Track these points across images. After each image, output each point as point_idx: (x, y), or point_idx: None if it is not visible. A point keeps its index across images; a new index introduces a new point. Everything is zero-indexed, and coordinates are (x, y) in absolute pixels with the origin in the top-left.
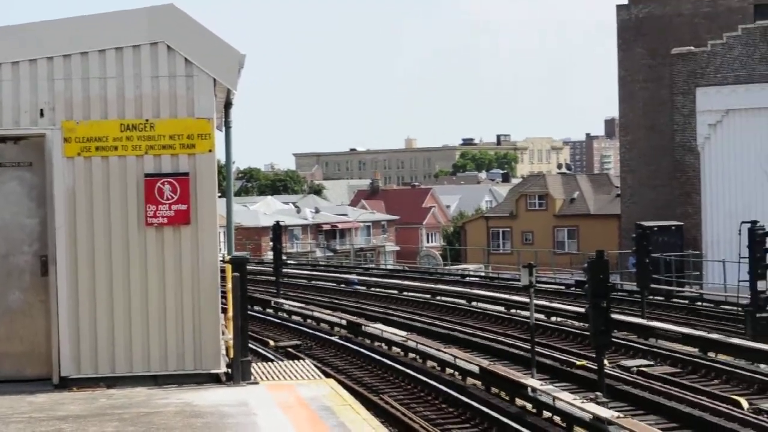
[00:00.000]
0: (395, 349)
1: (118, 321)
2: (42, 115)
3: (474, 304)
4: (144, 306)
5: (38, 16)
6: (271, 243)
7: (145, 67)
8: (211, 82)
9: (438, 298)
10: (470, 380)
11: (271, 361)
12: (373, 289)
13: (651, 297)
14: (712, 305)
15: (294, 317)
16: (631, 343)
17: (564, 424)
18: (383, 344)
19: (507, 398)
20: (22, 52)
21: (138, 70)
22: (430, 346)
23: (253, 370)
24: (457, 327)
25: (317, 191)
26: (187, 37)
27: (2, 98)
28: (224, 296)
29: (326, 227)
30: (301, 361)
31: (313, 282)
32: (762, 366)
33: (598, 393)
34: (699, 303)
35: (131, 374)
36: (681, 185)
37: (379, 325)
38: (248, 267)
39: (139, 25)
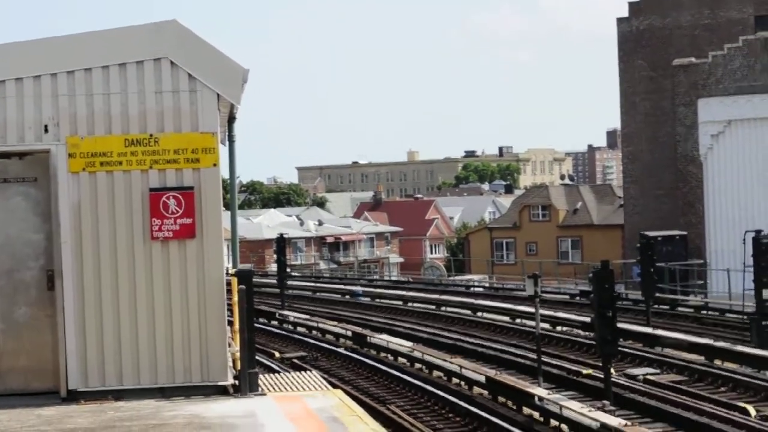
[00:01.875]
0: (401, 360)
1: (124, 334)
2: (46, 130)
3: (479, 314)
4: (150, 319)
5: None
6: (274, 255)
7: (148, 83)
8: (214, 96)
9: (443, 308)
10: (477, 390)
11: (278, 372)
12: (377, 300)
13: (656, 306)
14: (717, 314)
15: (299, 329)
16: (637, 352)
17: None
18: (389, 355)
19: (514, 407)
20: (26, 68)
21: (142, 86)
22: (436, 357)
23: (260, 382)
24: (463, 337)
25: (320, 204)
26: (190, 52)
27: (7, 114)
28: (230, 309)
29: (330, 239)
30: (308, 372)
31: (318, 294)
32: None
33: (605, 401)
34: (704, 311)
35: (139, 387)
36: (684, 195)
37: (385, 336)
38: (253, 280)
39: (142, 41)
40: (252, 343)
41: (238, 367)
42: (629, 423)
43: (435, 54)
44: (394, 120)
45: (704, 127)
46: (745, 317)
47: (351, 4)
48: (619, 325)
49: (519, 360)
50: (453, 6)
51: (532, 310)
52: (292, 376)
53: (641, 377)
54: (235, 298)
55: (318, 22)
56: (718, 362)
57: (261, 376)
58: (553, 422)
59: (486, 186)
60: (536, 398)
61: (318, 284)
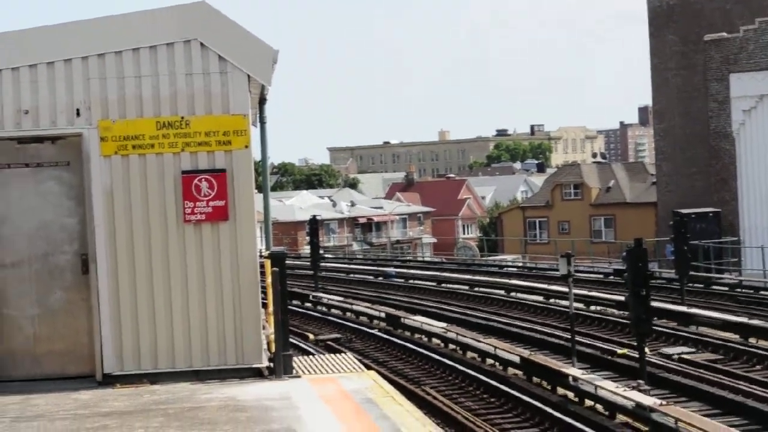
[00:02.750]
0: (435, 341)
1: (159, 317)
2: (78, 114)
3: (512, 294)
4: (185, 302)
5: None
6: (307, 237)
7: (179, 65)
8: (245, 78)
9: (476, 289)
10: (511, 370)
11: (312, 354)
12: (411, 281)
13: (690, 284)
14: (751, 291)
15: (333, 311)
16: (672, 331)
17: (606, 413)
18: (423, 336)
19: (549, 387)
20: (57, 52)
21: (172, 68)
22: (469, 337)
23: (294, 364)
24: (497, 317)
25: (352, 185)
26: (219, 33)
27: (39, 99)
28: (263, 291)
29: (362, 220)
30: (342, 354)
31: (351, 275)
32: None
33: (640, 381)
34: (738, 289)
35: (174, 370)
36: (717, 172)
37: (419, 317)
38: (286, 261)
39: (172, 22)
40: (286, 325)
41: (273, 350)
42: (664, 402)
43: (465, 32)
44: (425, 100)
45: (736, 102)
46: None
47: None
48: (654, 303)
49: (553, 340)
50: None
51: (565, 289)
52: (327, 358)
53: (676, 356)
54: (269, 280)
55: (348, 2)
56: (753, 340)
57: (295, 358)
58: (588, 402)
59: (518, 165)
60: (571, 378)
61: (351, 266)
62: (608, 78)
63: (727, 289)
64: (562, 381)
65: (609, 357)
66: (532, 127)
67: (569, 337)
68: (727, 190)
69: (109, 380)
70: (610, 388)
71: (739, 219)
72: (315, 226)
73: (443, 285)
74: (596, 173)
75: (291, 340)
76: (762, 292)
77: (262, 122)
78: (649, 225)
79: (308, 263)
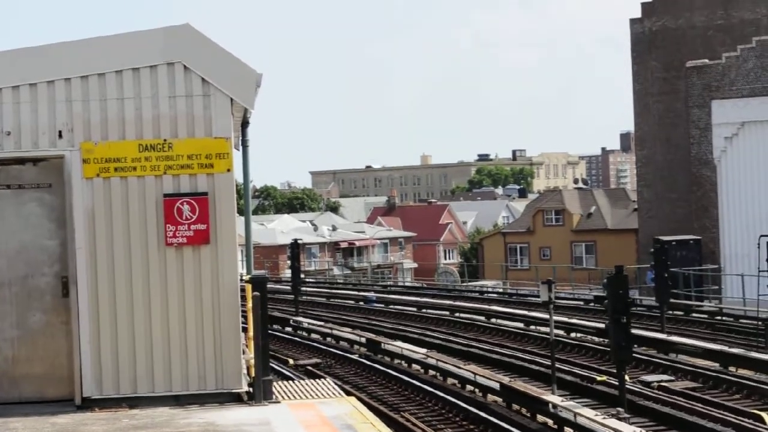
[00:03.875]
0: (415, 367)
1: (139, 341)
2: (60, 136)
3: (493, 320)
4: (165, 326)
5: (54, 38)
6: (288, 261)
7: (162, 88)
8: (228, 101)
9: (457, 314)
10: (491, 397)
11: (292, 379)
12: (391, 306)
13: (670, 312)
14: (731, 319)
15: (313, 335)
16: (652, 358)
17: None
18: (403, 362)
19: (528, 415)
20: (40, 73)
21: (155, 91)
22: (450, 363)
23: (274, 389)
24: (477, 344)
25: (334, 209)
26: (203, 56)
27: (21, 120)
28: (244, 315)
29: (343, 245)
30: (322, 379)
31: (332, 300)
32: None
33: (619, 408)
34: (719, 317)
35: (153, 394)
36: (698, 199)
37: (399, 343)
38: (267, 286)
39: (155, 45)
40: (266, 350)
41: (253, 374)
42: (644, 430)
43: (446, 58)
44: (407, 124)
45: (718, 129)
46: (760, 323)
47: (362, 10)
48: (634, 331)
49: (533, 367)
50: (461, 7)
51: (546, 316)
52: (306, 384)
53: (656, 384)
54: (250, 304)
55: (330, 26)
56: (732, 369)
57: (275, 383)
58: (568, 430)
59: (500, 190)
60: (550, 405)
61: (332, 290)
62: (590, 104)
63: (707, 316)
64: (542, 408)
65: (589, 384)
66: (513, 152)
67: (549, 363)
68: (708, 218)
69: (88, 404)
70: (589, 415)
71: (720, 246)
72: (296, 250)
73: (424, 310)
74: (578, 199)
75: (271, 364)
76: (742, 321)
77: (245, 145)
78: (630, 252)
79: (289, 287)
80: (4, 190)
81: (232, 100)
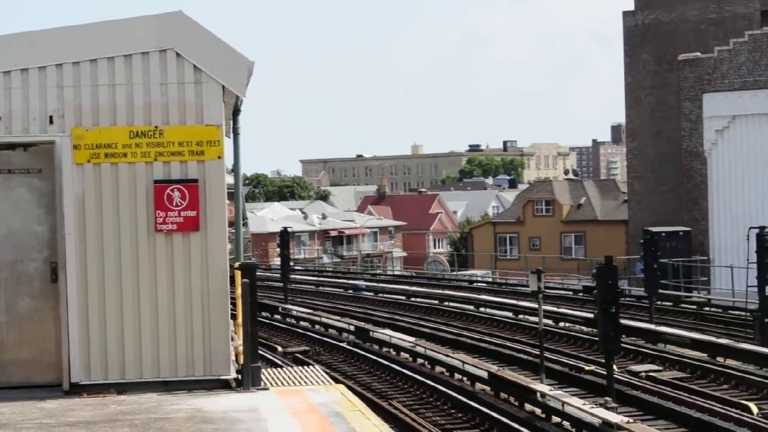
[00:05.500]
0: (404, 355)
1: (128, 327)
2: (51, 122)
3: (482, 309)
4: (154, 312)
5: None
6: (278, 249)
7: (154, 74)
8: (219, 89)
9: (446, 303)
10: (479, 385)
11: (281, 366)
12: (380, 294)
13: (659, 302)
14: (720, 310)
15: (302, 323)
16: (640, 349)
17: (573, 429)
18: (392, 350)
19: (516, 403)
20: (32, 59)
21: (147, 77)
22: (438, 352)
23: (262, 376)
24: (466, 332)
25: (324, 197)
26: (195, 44)
27: (12, 105)
28: (233, 302)
29: (333, 233)
30: (311, 366)
31: (321, 288)
32: None
33: (607, 398)
34: (707, 308)
35: (141, 380)
36: (688, 191)
37: (388, 331)
38: (257, 273)
39: (148, 32)
40: (255, 337)
41: (241, 361)
42: (631, 420)
43: (439, 49)
44: (399, 113)
45: (709, 122)
46: (748, 314)
47: (356, 1)
48: (622, 321)
49: (522, 356)
50: (455, 1)
51: (535, 305)
52: (295, 371)
53: (644, 374)
54: (239, 291)
55: (322, 15)
56: (720, 359)
57: (264, 370)
58: (555, 419)
59: (490, 180)
60: (539, 395)
61: (321, 278)
62: (582, 96)
63: (695, 307)
64: (530, 397)
65: (577, 374)
66: (504, 142)
67: (538, 353)
68: (698, 210)
69: (76, 389)
70: (577, 404)
71: (709, 238)
72: (286, 238)
73: (413, 299)
74: (568, 190)
75: (260, 351)
76: (730, 312)
77: (236, 133)
78: (619, 243)
79: (278, 275)
80: None
81: (223, 87)
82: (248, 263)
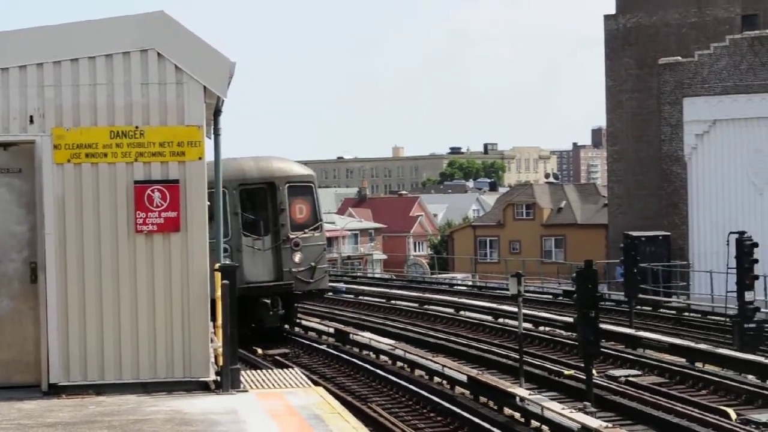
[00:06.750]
0: (383, 358)
1: (107, 328)
2: (32, 121)
3: (462, 313)
4: (133, 313)
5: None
6: None
7: (135, 74)
8: (201, 89)
9: (426, 307)
10: (458, 389)
11: (260, 369)
12: (360, 297)
13: (639, 307)
14: (699, 315)
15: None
16: (619, 353)
17: None
18: (371, 353)
19: (495, 407)
20: (12, 58)
21: (128, 77)
22: (418, 355)
23: (242, 378)
24: (445, 336)
25: None
26: (177, 44)
27: None
28: (213, 304)
29: None
30: (290, 369)
31: None
32: (749, 376)
33: (586, 403)
34: (686, 313)
35: (120, 381)
36: (668, 195)
37: (367, 334)
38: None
39: (129, 32)
40: (235, 339)
41: (221, 363)
42: (610, 425)
43: (420, 50)
44: (380, 116)
45: (689, 126)
46: (728, 319)
47: (338, 2)
48: (602, 325)
49: (501, 360)
50: (438, 4)
51: (514, 309)
52: (274, 373)
53: (623, 379)
54: (219, 293)
55: (303, 16)
56: (699, 365)
57: (243, 372)
58: (534, 423)
59: (470, 183)
60: (518, 398)
61: None
62: (563, 99)
63: (674, 312)
64: (509, 401)
65: (556, 378)
66: (485, 145)
67: (517, 357)
68: (678, 214)
69: (55, 390)
70: (556, 409)
71: (689, 243)
72: None
73: (392, 302)
74: (548, 194)
75: (239, 353)
76: (709, 317)
77: (217, 134)
78: (599, 247)
79: None
80: None
81: (205, 88)
82: (228, 264)
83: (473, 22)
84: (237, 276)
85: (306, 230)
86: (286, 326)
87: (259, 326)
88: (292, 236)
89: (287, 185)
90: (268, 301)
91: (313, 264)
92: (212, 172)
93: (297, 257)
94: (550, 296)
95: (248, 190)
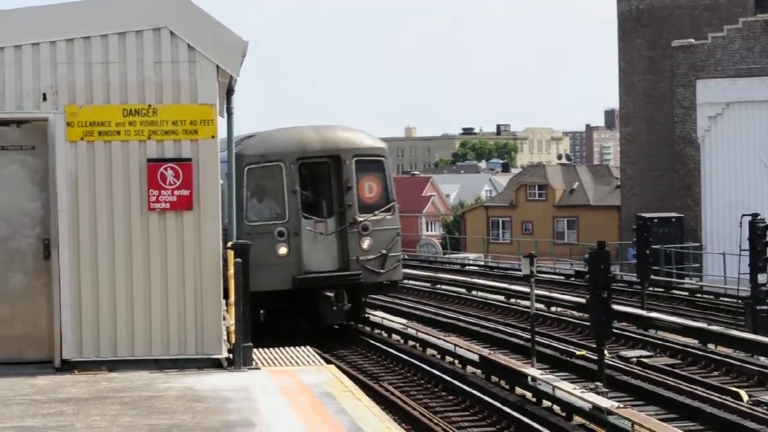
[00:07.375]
0: (395, 337)
1: (120, 305)
2: (45, 99)
3: (474, 293)
4: (146, 290)
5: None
6: None
7: (147, 53)
8: (213, 68)
9: (438, 286)
10: (470, 369)
11: (272, 347)
12: None
13: (651, 288)
14: (711, 297)
15: None
16: (631, 334)
17: (564, 414)
18: (383, 332)
19: (507, 387)
20: (25, 35)
21: (141, 56)
22: (430, 334)
23: (254, 356)
24: (458, 315)
25: None
26: (190, 23)
27: (5, 82)
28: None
29: None
30: (302, 347)
31: None
32: (761, 358)
33: (598, 383)
34: (699, 295)
35: (133, 358)
36: (681, 177)
37: (380, 313)
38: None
39: (142, 10)
40: (247, 316)
41: (233, 341)
42: (621, 405)
43: (433, 31)
44: (392, 95)
45: (702, 108)
46: (740, 301)
47: None
48: (614, 306)
49: (513, 340)
50: None
51: (527, 289)
52: (286, 351)
53: (634, 359)
54: (231, 270)
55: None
56: (711, 346)
57: (255, 350)
58: (546, 403)
59: (483, 164)
60: (529, 378)
61: None
62: (575, 80)
63: (687, 294)
64: (521, 381)
65: (568, 358)
66: (498, 126)
67: (529, 337)
68: (691, 196)
69: (68, 366)
70: (567, 389)
71: (702, 225)
72: None
73: (405, 281)
74: (561, 175)
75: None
76: (722, 299)
77: (230, 113)
78: (612, 228)
79: None
80: None
81: (218, 67)
82: (241, 243)
83: (484, 5)
84: (294, 265)
85: (376, 212)
86: (353, 324)
87: (320, 323)
88: (360, 219)
89: (355, 159)
90: (331, 295)
91: (384, 251)
92: (265, 145)
93: (365, 243)
94: (562, 277)
95: (309, 164)
